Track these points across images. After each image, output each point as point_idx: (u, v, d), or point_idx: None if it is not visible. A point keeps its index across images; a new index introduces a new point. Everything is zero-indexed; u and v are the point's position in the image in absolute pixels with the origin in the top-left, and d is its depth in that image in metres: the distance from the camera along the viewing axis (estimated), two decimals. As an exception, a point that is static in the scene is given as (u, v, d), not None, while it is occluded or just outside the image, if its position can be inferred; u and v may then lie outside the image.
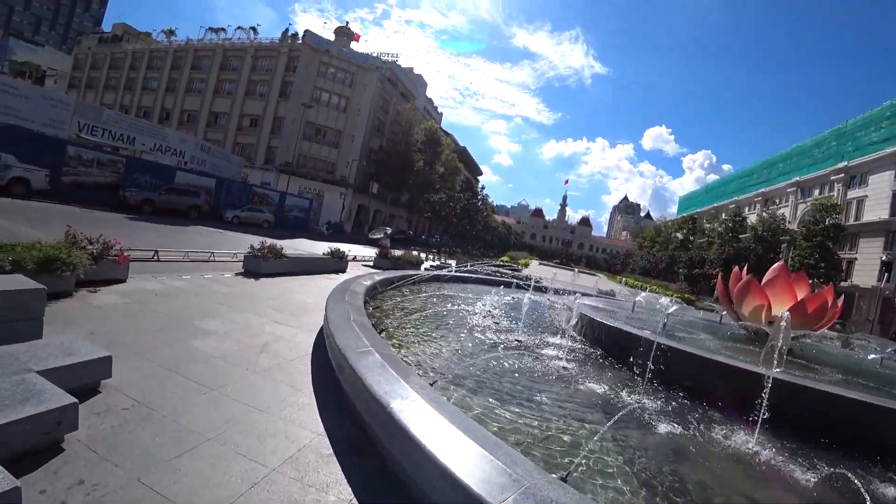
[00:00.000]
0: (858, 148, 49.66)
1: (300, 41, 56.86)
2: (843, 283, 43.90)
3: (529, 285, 13.45)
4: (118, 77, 68.18)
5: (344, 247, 16.93)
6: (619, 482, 3.31)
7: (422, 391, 3.38)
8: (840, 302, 10.26)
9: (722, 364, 5.55)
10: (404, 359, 5.11)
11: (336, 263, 13.92)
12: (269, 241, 11.32)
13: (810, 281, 11.65)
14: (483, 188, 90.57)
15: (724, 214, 70.25)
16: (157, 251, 10.19)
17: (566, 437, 3.89)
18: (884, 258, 42.72)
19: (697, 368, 5.74)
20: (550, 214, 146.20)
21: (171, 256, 10.68)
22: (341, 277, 12.06)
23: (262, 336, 5.69)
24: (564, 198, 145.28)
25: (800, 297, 9.51)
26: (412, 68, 77.39)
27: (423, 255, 23.52)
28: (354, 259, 18.07)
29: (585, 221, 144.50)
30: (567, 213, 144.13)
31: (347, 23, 66.16)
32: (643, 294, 20.27)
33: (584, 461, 3.45)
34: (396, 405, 3.12)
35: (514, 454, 2.73)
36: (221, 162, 42.23)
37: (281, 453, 3.12)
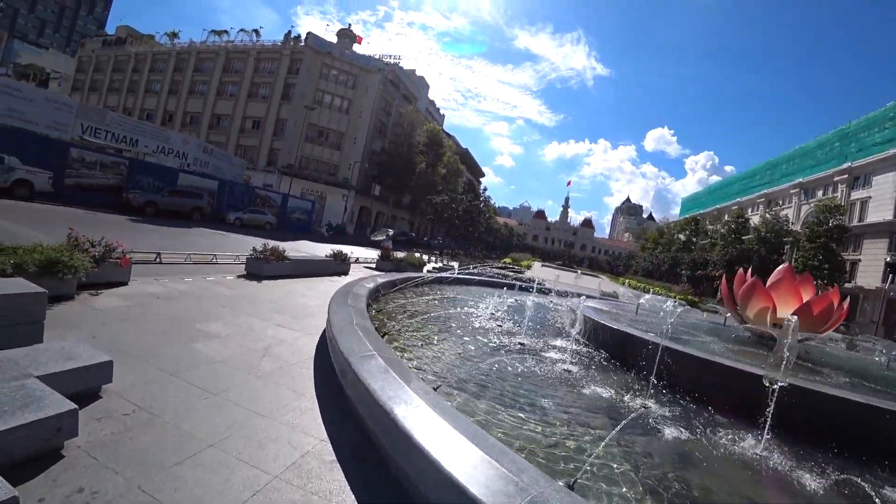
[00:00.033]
0: (862, 149, 49.45)
1: (303, 43, 57.03)
2: (847, 285, 43.67)
3: (532, 287, 13.40)
4: (121, 79, 68.44)
5: (346, 249, 16.92)
6: (625, 489, 3.26)
7: (426, 396, 3.34)
8: (846, 304, 10.19)
9: (728, 368, 5.49)
10: (408, 362, 5.07)
11: (338, 266, 13.89)
12: (271, 243, 11.30)
13: (815, 283, 11.56)
14: (485, 190, 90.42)
15: (726, 216, 70.03)
16: (159, 253, 10.18)
17: (571, 443, 3.85)
18: (888, 259, 42.50)
19: (703, 372, 5.69)
20: (553, 216, 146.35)
21: (174, 259, 10.66)
22: (344, 280, 12.04)
23: (264, 339, 5.66)
24: (567, 199, 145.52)
25: (805, 299, 9.45)
26: (414, 70, 77.50)
27: (425, 257, 23.48)
28: (357, 261, 18.05)
29: (588, 223, 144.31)
30: (569, 214, 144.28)
31: (350, 25, 66.40)
32: (647, 296, 20.18)
33: (589, 467, 3.40)
34: (400, 411, 3.08)
35: (520, 461, 2.68)
36: (224, 164, 42.32)
37: (283, 460, 3.08)
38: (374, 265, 18.20)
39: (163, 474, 2.72)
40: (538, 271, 40.33)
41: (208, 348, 4.96)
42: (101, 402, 3.38)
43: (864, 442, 4.59)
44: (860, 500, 3.69)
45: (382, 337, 5.43)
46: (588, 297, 15.79)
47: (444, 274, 15.28)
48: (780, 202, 64.25)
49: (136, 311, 5.90)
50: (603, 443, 3.70)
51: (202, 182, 30.82)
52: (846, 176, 50.63)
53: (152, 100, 64.66)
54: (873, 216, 46.07)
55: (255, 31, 61.90)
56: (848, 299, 11.10)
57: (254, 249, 10.79)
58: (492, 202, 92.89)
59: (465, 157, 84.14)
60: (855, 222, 48.06)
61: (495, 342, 7.31)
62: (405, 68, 70.71)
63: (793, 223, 56.56)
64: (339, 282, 11.38)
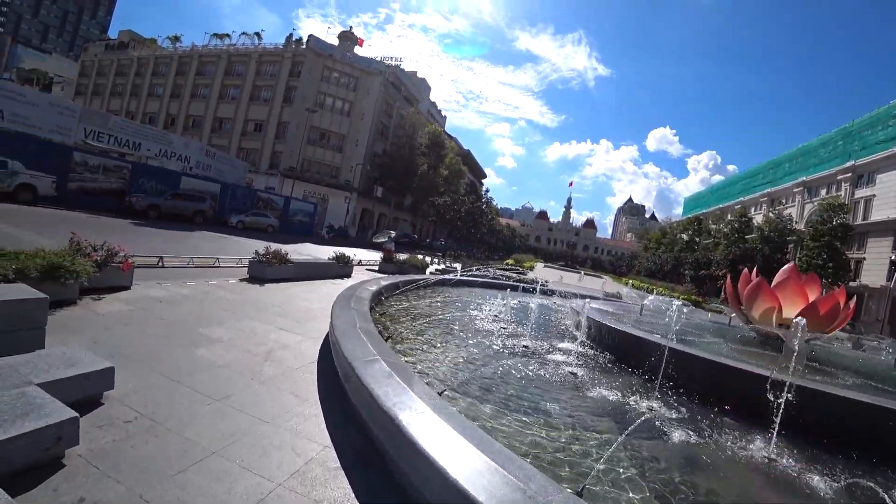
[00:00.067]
0: (865, 147, 49.22)
1: (304, 46, 57.09)
2: (851, 283, 43.44)
3: (535, 288, 13.35)
4: (124, 83, 68.74)
5: (348, 251, 16.88)
6: (633, 495, 3.21)
7: (430, 401, 3.30)
8: (852, 303, 10.10)
9: (736, 369, 5.43)
10: (411, 366, 5.03)
11: (341, 268, 13.86)
12: (273, 246, 11.28)
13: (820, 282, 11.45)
14: (487, 191, 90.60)
15: (729, 215, 69.77)
16: (161, 257, 10.16)
17: (578, 448, 3.79)
18: (893, 258, 42.22)
19: (711, 374, 5.63)
20: (555, 217, 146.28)
21: (176, 262, 10.65)
22: (346, 282, 12.01)
23: (267, 344, 5.62)
24: (569, 200, 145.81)
25: (811, 298, 9.37)
26: (415, 72, 77.57)
27: (427, 259, 23.42)
28: (359, 263, 18.02)
29: (590, 223, 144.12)
30: (571, 215, 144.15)
31: (351, 27, 66.58)
32: (651, 297, 20.11)
33: (597, 473, 3.34)
34: (404, 416, 3.03)
35: (528, 468, 2.63)
36: (226, 167, 42.37)
37: (287, 467, 3.04)
38: (376, 267, 18.16)
39: (165, 483, 2.68)
40: (541, 272, 40.27)
41: (211, 353, 4.93)
42: (103, 409, 3.34)
43: (874, 444, 4.53)
44: (872, 503, 3.64)
45: (386, 340, 5.39)
46: (591, 298, 15.73)
47: (447, 276, 15.25)
48: (784, 201, 64.00)
49: (139, 316, 5.87)
50: (611, 448, 3.65)
51: (204, 185, 30.85)
52: (850, 174, 50.40)
53: (155, 103, 64.88)
54: (877, 214, 45.83)
55: (257, 34, 62.04)
56: (854, 298, 11.01)
57: (256, 253, 10.77)
58: (494, 203, 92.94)
59: (467, 159, 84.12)
60: (859, 221, 47.81)
61: (500, 345, 7.27)
62: (406, 70, 70.80)
63: (796, 222, 56.34)
64: (341, 284, 11.35)
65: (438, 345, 6.69)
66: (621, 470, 3.51)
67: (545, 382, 5.52)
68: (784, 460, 4.16)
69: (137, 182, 26.31)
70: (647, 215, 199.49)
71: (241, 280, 10.00)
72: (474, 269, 23.63)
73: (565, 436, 4.01)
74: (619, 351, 7.28)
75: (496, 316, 9.89)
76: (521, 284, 15.14)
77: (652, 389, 5.53)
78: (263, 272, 10.50)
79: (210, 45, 63.53)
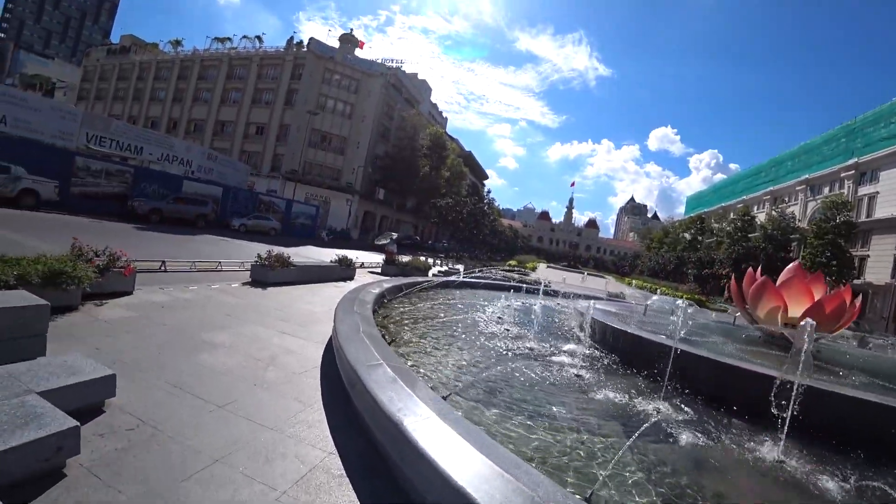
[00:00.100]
0: (868, 144, 49.02)
1: (305, 49, 57.20)
2: (856, 281, 43.23)
3: (539, 290, 13.30)
4: (126, 88, 68.99)
5: (351, 253, 16.86)
6: (641, 499, 3.16)
7: (435, 406, 3.25)
8: (858, 301, 10.02)
9: (744, 370, 5.37)
10: (416, 370, 4.99)
11: (344, 271, 13.84)
12: (276, 249, 11.26)
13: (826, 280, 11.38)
14: (489, 192, 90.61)
15: (732, 214, 69.51)
16: (164, 262, 10.15)
17: (585, 452, 3.75)
18: (898, 255, 42.06)
19: (717, 375, 5.57)
20: (557, 217, 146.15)
21: (179, 267, 10.63)
22: (349, 285, 11.97)
23: (269, 348, 5.59)
24: (571, 200, 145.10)
25: (817, 297, 9.30)
26: (416, 74, 77.56)
27: (430, 261, 23.39)
28: (362, 266, 17.99)
29: (592, 223, 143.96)
30: (574, 215, 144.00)
31: (351, 30, 66.55)
32: (655, 297, 20.03)
33: (605, 478, 3.30)
34: (409, 422, 2.99)
35: (535, 474, 2.59)
36: (228, 170, 42.43)
37: (291, 475, 3.00)
38: (379, 270, 18.14)
39: (168, 493, 2.64)
40: (544, 273, 40.21)
41: (213, 359, 4.89)
42: (105, 417, 3.31)
43: (886, 445, 4.46)
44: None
45: (389, 344, 5.35)
46: (595, 298, 15.65)
47: (450, 278, 15.21)
48: (786, 199, 63.78)
49: (141, 322, 5.84)
50: (619, 453, 3.60)
51: (206, 189, 30.90)
52: (853, 172, 50.20)
53: (157, 107, 65.10)
54: (881, 211, 45.62)
55: (258, 37, 62.24)
56: (860, 297, 10.93)
57: (258, 256, 10.74)
58: (496, 204, 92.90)
59: (469, 160, 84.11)
60: (863, 218, 47.61)
61: (504, 347, 7.22)
62: (407, 72, 70.82)
63: (799, 220, 56.13)
64: (344, 287, 11.32)
65: (442, 348, 6.65)
66: (628, 474, 3.47)
67: (550, 385, 5.48)
68: (794, 462, 4.10)
69: (140, 186, 26.35)
70: (650, 215, 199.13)
71: (244, 284, 9.97)
72: (477, 270, 23.60)
73: (571, 439, 3.96)
74: (625, 352, 7.22)
75: (500, 318, 9.85)
76: (525, 286, 15.09)
77: (658, 391, 5.48)
78: (266, 276, 10.48)
79: (212, 49, 63.73)
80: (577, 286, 26.17)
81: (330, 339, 6.13)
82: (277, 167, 54.74)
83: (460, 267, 25.00)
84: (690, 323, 6.97)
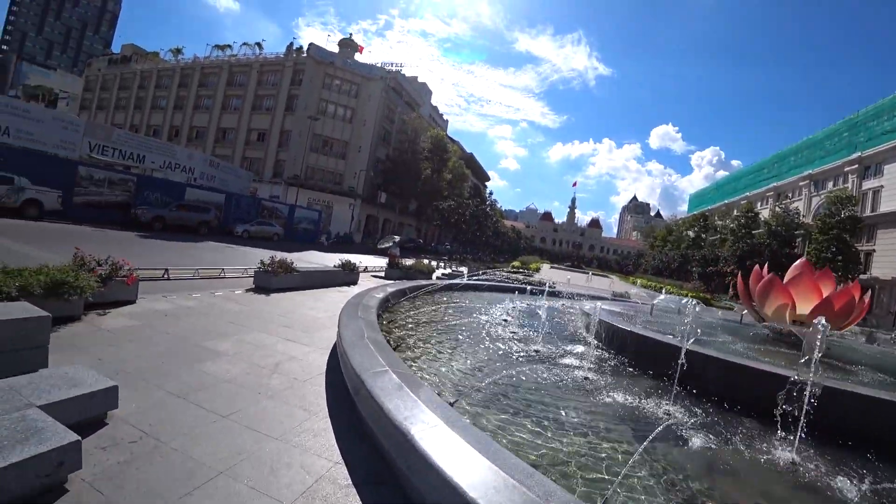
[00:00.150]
0: (872, 138, 48.79)
1: (305, 55, 57.38)
2: (862, 276, 42.96)
3: (543, 291, 13.22)
4: (128, 97, 69.40)
5: (354, 258, 16.83)
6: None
7: (442, 414, 3.19)
8: (867, 298, 9.91)
9: (754, 370, 5.28)
10: (421, 376, 4.92)
11: (347, 275, 13.79)
12: (279, 255, 11.22)
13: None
14: (491, 194, 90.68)
15: (735, 211, 69.33)
16: (166, 269, 10.12)
17: (596, 458, 3.67)
18: (904, 249, 41.78)
19: (728, 375, 5.49)
20: (559, 217, 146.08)
21: (182, 274, 10.61)
22: (353, 290, 11.93)
23: (273, 356, 5.53)
24: (573, 200, 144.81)
25: (825, 294, 9.19)
26: (416, 77, 77.60)
27: (434, 264, 23.34)
28: (365, 270, 17.95)
29: (595, 223, 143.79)
30: (576, 215, 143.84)
31: (351, 35, 66.53)
32: (661, 296, 19.88)
33: (616, 485, 3.22)
34: (416, 431, 2.93)
35: (548, 483, 2.52)
36: (230, 177, 42.54)
37: (297, 486, 2.93)
38: (382, 274, 18.09)
39: (170, 507, 2.59)
40: (548, 273, 40.09)
41: (217, 367, 4.84)
42: (107, 430, 3.26)
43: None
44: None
45: (395, 350, 5.29)
46: (600, 299, 15.55)
47: (454, 281, 15.15)
48: (790, 195, 63.50)
49: (144, 331, 5.80)
50: (631, 460, 3.52)
51: (209, 196, 30.97)
52: (856, 166, 49.96)
53: (158, 116, 65.43)
54: (886, 205, 45.38)
55: (258, 44, 62.53)
56: (869, 292, 10.82)
57: (261, 262, 10.70)
58: (498, 206, 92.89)
59: (470, 162, 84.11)
60: (868, 212, 47.35)
61: (510, 350, 7.15)
62: (407, 75, 70.94)
63: (804, 216, 55.83)
64: (348, 292, 11.28)
65: (448, 352, 6.59)
66: (640, 480, 3.39)
67: (558, 388, 5.40)
68: (808, 463, 4.02)
69: (142, 194, 26.43)
70: (653, 213, 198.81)
71: (247, 290, 9.93)
72: (481, 273, 23.54)
73: (582, 445, 3.89)
74: (632, 353, 7.14)
75: (505, 320, 9.78)
76: (529, 287, 15.01)
77: (667, 393, 5.39)
78: (269, 282, 10.44)
79: (212, 57, 64.10)
80: (581, 286, 26.06)
81: (335, 345, 6.07)
82: (279, 173, 54.87)
83: (464, 269, 24.95)
84: (698, 322, 6.87)
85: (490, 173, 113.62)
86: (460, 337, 7.65)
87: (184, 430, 3.43)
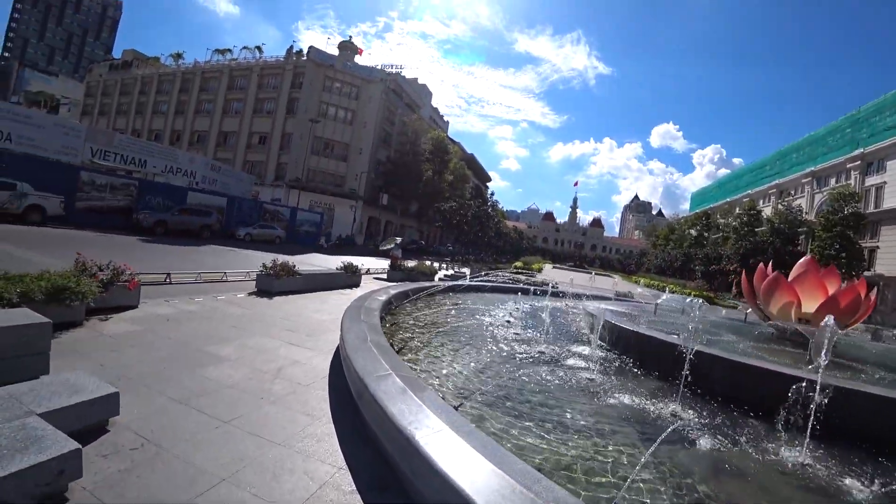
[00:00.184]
0: (874, 134, 48.63)
1: (305, 58, 57.48)
2: (866, 273, 42.77)
3: (546, 291, 13.17)
4: (129, 102, 69.64)
5: (356, 260, 16.81)
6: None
7: (447, 418, 3.14)
8: (873, 295, 9.83)
9: (763, 369, 5.22)
10: (425, 379, 4.88)
11: (349, 278, 13.76)
12: (281, 258, 11.20)
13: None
14: (493, 194, 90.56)
15: (738, 209, 69.21)
16: (168, 274, 10.11)
17: (603, 462, 3.62)
18: (908, 245, 41.57)
19: (736, 376, 5.43)
20: (561, 217, 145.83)
21: (184, 278, 10.60)
22: (356, 292, 11.90)
23: (276, 360, 5.50)
24: (575, 200, 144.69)
25: (831, 292, 9.12)
26: (416, 79, 77.68)
27: (436, 265, 23.30)
28: (367, 272, 17.92)
29: (597, 222, 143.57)
30: (578, 214, 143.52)
31: (350, 37, 66.75)
32: (665, 295, 19.81)
33: (625, 490, 3.17)
34: (421, 436, 2.88)
35: (556, 489, 2.47)
36: (232, 180, 42.57)
37: (300, 493, 2.90)
38: (385, 276, 18.06)
39: (172, 516, 2.55)
40: (550, 274, 40.01)
41: (219, 372, 4.81)
42: (108, 437, 3.23)
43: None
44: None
45: (398, 352, 5.25)
46: (603, 298, 15.50)
47: (456, 282, 15.10)
48: (792, 192, 63.35)
49: (146, 336, 5.78)
50: (638, 466, 3.47)
51: (211, 199, 31.02)
52: (859, 162, 49.80)
53: (160, 120, 65.63)
54: (890, 202, 45.20)
55: (258, 47, 62.72)
56: (875, 290, 10.74)
57: (263, 266, 10.69)
58: (500, 206, 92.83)
59: (471, 163, 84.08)
60: (871, 209, 47.17)
61: (514, 352, 7.10)
62: (407, 77, 71.02)
63: (806, 213, 55.68)
64: (350, 294, 11.25)
65: (451, 354, 6.54)
66: (648, 485, 3.34)
67: (563, 390, 5.35)
68: (817, 465, 3.97)
69: (144, 199, 26.50)
70: (654, 212, 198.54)
71: (250, 294, 9.91)
72: (483, 273, 23.49)
73: (588, 448, 3.83)
74: (637, 354, 7.08)
75: (508, 321, 9.73)
76: (532, 288, 14.96)
77: (674, 394, 5.34)
78: (271, 285, 10.42)
79: (212, 61, 64.28)
80: (584, 286, 25.95)
81: (337, 349, 6.04)
82: (281, 176, 54.95)
83: (466, 270, 24.91)
84: (703, 322, 6.81)
85: (491, 174, 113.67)
86: (463, 339, 7.60)
87: (186, 436, 3.39)
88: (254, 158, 57.77)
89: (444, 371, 5.62)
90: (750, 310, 12.58)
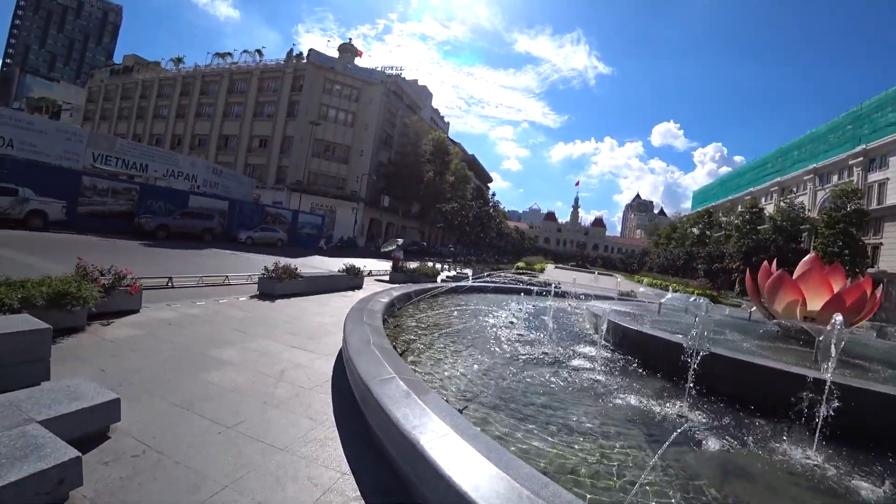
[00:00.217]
0: (876, 130, 48.42)
1: (305, 60, 57.54)
2: (869, 270, 42.59)
3: (549, 292, 13.12)
4: (130, 107, 69.78)
5: (358, 262, 16.78)
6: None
7: (452, 422, 3.10)
8: (879, 292, 9.76)
9: (771, 369, 5.17)
10: (429, 382, 4.84)
11: (351, 280, 13.73)
12: (283, 261, 11.17)
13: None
14: (494, 195, 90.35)
15: (740, 207, 68.98)
16: (170, 278, 10.08)
17: (609, 465, 3.57)
18: (912, 242, 41.38)
19: (742, 375, 5.37)
20: (563, 217, 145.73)
21: (186, 282, 10.57)
22: (358, 294, 11.86)
23: (279, 364, 5.46)
24: (576, 199, 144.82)
25: (836, 289, 9.05)
26: (416, 80, 77.65)
27: (438, 266, 23.26)
28: (370, 274, 17.88)
29: (599, 222, 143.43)
30: (580, 214, 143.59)
31: (350, 40, 66.94)
32: (669, 294, 19.74)
33: (632, 494, 3.13)
34: (425, 440, 2.84)
35: (563, 494, 2.42)
36: (233, 184, 42.60)
37: (304, 499, 2.86)
38: (387, 278, 18.02)
39: (174, 524, 2.51)
40: (552, 274, 39.96)
41: (221, 376, 4.78)
42: (109, 444, 3.19)
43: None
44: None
45: (401, 355, 5.21)
46: (606, 298, 15.44)
47: (459, 283, 15.06)
48: (795, 189, 63.14)
49: (147, 340, 5.75)
50: (645, 471, 3.42)
51: (212, 203, 31.02)
52: (861, 158, 49.59)
53: (161, 125, 65.73)
54: (892, 198, 45.01)
55: (258, 51, 62.72)
56: (881, 287, 10.67)
57: (265, 269, 10.66)
58: (501, 207, 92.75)
59: (472, 164, 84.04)
60: (874, 205, 46.96)
61: (518, 353, 7.06)
62: (407, 79, 70.97)
63: (809, 210, 55.49)
64: (353, 296, 11.20)
65: (455, 356, 6.50)
66: (656, 487, 3.29)
67: (568, 391, 5.31)
68: (826, 464, 3.91)
69: (146, 203, 26.50)
70: (656, 211, 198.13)
71: (252, 297, 9.88)
72: (485, 274, 23.43)
73: (595, 451, 3.79)
74: (642, 354, 7.02)
75: (511, 322, 9.68)
76: (535, 288, 14.91)
77: (680, 394, 5.29)
78: (273, 288, 10.38)
79: (213, 65, 64.38)
80: (586, 286, 25.89)
81: (340, 351, 6.00)
82: (282, 179, 54.99)
83: (468, 271, 24.87)
84: (707, 321, 6.74)
85: (492, 174, 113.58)
86: (467, 340, 7.56)
87: (188, 442, 3.36)
88: (255, 162, 57.81)
89: (448, 373, 5.58)
90: (754, 308, 12.51)
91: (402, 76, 67.52)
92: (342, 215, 53.35)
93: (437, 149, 62.51)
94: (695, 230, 73.62)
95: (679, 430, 4.00)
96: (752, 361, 5.46)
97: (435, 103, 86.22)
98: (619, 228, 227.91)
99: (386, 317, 7.61)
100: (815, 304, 8.95)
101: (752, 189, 73.53)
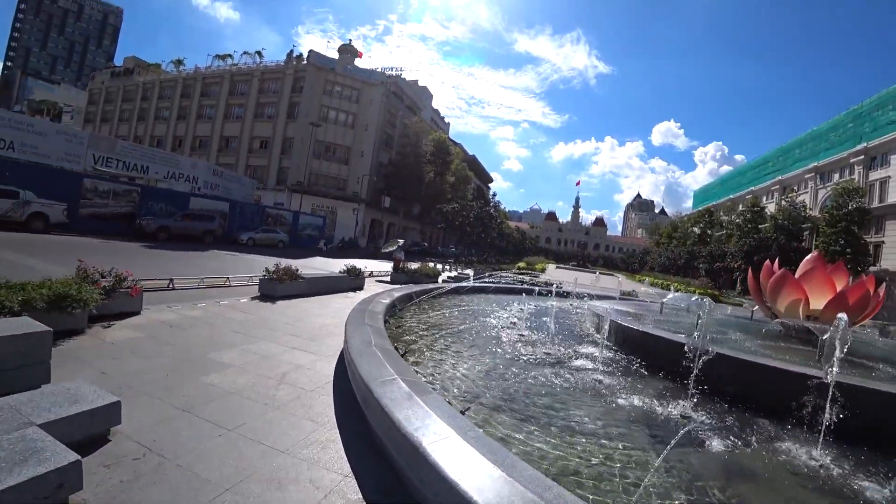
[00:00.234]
0: (876, 128, 48.31)
1: (305, 62, 57.60)
2: (871, 268, 42.51)
3: (551, 292, 13.09)
4: (131, 109, 69.90)
5: (359, 263, 16.77)
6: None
7: (454, 424, 3.08)
8: (882, 291, 9.72)
9: (775, 368, 5.14)
10: (430, 383, 4.82)
11: (353, 281, 13.72)
12: (283, 262, 11.15)
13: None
14: (494, 195, 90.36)
15: (741, 205, 68.86)
16: (171, 279, 10.08)
17: (612, 466, 3.55)
18: (914, 240, 41.28)
19: (746, 375, 5.34)
20: (564, 217, 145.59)
21: (187, 284, 10.56)
22: (359, 295, 11.84)
23: (280, 366, 5.44)
24: (577, 199, 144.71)
25: (839, 288, 9.02)
26: (416, 81, 77.68)
27: (439, 267, 23.24)
28: (371, 275, 17.88)
29: (600, 222, 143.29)
30: (580, 214, 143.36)
31: (350, 41, 66.63)
32: (671, 294, 19.69)
33: (637, 496, 3.11)
34: (427, 442, 2.82)
35: (567, 496, 2.40)
36: (234, 185, 42.65)
37: (306, 502, 2.83)
38: (388, 278, 18.01)
39: (175, 528, 2.49)
40: (554, 274, 39.91)
41: (222, 379, 4.76)
42: (110, 447, 3.17)
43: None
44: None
45: (403, 356, 5.19)
46: (608, 298, 15.40)
47: (460, 284, 15.04)
48: (796, 188, 62.99)
49: (148, 343, 5.73)
50: (649, 474, 3.39)
51: (213, 204, 31.03)
52: (862, 157, 49.47)
53: (162, 126, 65.83)
54: (894, 196, 44.88)
55: (258, 52, 62.86)
56: (884, 285, 10.62)
57: (266, 270, 10.65)
58: (502, 207, 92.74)
59: (473, 164, 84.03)
60: (875, 203, 46.85)
61: (520, 354, 7.03)
62: (407, 79, 71.02)
63: (810, 209, 55.38)
64: (354, 298, 11.19)
65: (456, 357, 6.48)
66: (660, 489, 3.27)
67: (570, 392, 5.28)
68: (833, 466, 3.88)
69: (147, 205, 26.53)
70: (657, 210, 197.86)
71: (253, 298, 9.87)
72: (487, 275, 23.42)
73: (598, 452, 3.76)
74: (644, 354, 7.00)
75: (513, 322, 9.66)
76: (536, 288, 14.88)
77: (683, 394, 5.26)
78: (274, 289, 10.37)
79: (213, 67, 64.48)
80: (588, 286, 25.86)
81: (342, 353, 5.98)
82: (283, 180, 55.05)
83: (470, 272, 24.84)
84: (710, 320, 6.71)
85: (493, 175, 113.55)
86: (469, 341, 7.54)
87: (188, 445, 3.34)
88: (255, 163, 57.86)
89: (450, 374, 5.56)
90: (756, 307, 12.47)
91: (403, 77, 67.59)
92: (343, 216, 53.38)
93: (438, 149, 62.52)
94: (696, 229, 73.55)
95: (683, 431, 3.96)
96: (756, 361, 5.43)
97: (435, 104, 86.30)
98: (620, 228, 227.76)
99: (387, 318, 7.59)
100: (818, 302, 8.91)
101: (753, 188, 73.40)
